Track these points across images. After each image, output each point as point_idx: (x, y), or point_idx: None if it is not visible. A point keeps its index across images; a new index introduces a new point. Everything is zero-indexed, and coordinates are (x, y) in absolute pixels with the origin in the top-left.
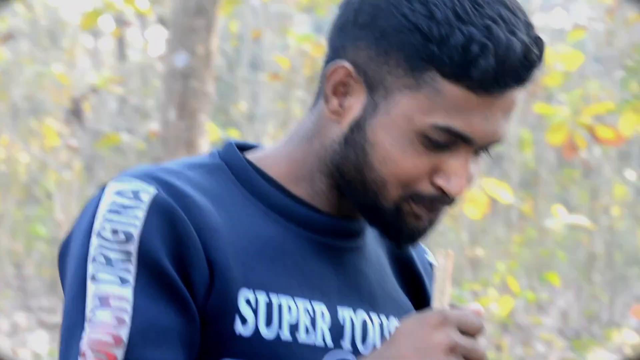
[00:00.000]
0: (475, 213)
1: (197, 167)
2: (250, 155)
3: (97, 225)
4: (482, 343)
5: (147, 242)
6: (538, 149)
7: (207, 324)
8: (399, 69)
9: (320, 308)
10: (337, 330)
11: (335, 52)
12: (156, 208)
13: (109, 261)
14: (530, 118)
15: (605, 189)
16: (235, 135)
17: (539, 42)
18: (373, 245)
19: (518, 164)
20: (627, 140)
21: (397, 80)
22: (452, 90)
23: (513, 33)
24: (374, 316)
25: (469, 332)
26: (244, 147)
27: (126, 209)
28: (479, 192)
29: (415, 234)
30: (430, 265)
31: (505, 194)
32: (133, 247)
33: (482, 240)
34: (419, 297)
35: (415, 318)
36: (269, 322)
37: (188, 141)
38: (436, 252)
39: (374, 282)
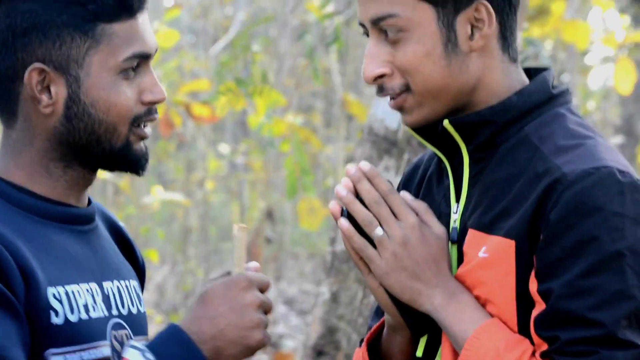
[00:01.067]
0: None
1: None
2: None
3: None
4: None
5: None
6: None
7: (31, 321)
8: (75, 40)
9: (94, 286)
10: (107, 301)
11: (12, 68)
12: None
13: None
14: None
15: (200, 162)
16: None
17: None
18: (101, 224)
19: None
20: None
21: (79, 49)
22: (119, 27)
23: None
24: (121, 282)
25: (263, 289)
26: None
27: None
28: None
29: (145, 157)
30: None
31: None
32: None
33: None
34: (134, 258)
35: (223, 282)
36: (71, 308)
37: None
38: (234, 225)
39: (112, 254)
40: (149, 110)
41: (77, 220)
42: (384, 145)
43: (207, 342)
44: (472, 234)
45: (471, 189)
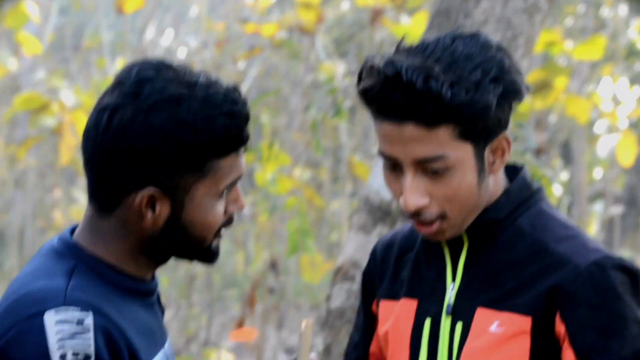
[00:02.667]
0: None
1: (78, 273)
2: (89, 247)
3: (54, 352)
4: None
5: (99, 358)
6: None
7: None
8: (187, 173)
9: (162, 353)
10: None
11: (124, 182)
12: (99, 330)
13: None
14: None
15: None
16: None
17: (240, 93)
18: None
19: None
20: None
21: (189, 180)
22: (226, 161)
23: (234, 101)
24: (168, 340)
25: None
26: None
27: (77, 334)
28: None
29: (219, 249)
30: None
31: None
32: None
33: None
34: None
35: None
36: None
37: None
38: (301, 321)
39: (161, 316)
40: (230, 219)
41: (150, 294)
42: (379, 214)
43: None
44: (481, 311)
45: (468, 272)
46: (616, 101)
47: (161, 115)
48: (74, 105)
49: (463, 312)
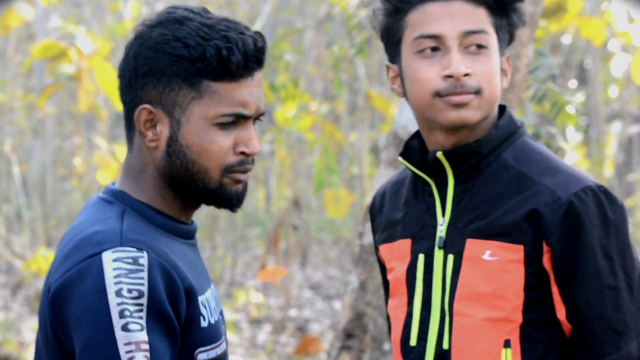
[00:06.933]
0: (107, 178)
1: (129, 216)
2: (131, 193)
3: (111, 287)
4: None
5: (153, 295)
6: None
7: (188, 328)
8: (182, 89)
9: (210, 291)
10: (216, 301)
11: (132, 102)
12: (153, 268)
13: (130, 313)
14: None
15: None
16: None
17: (259, 35)
18: None
19: None
20: None
21: (184, 97)
22: (222, 87)
23: (242, 33)
24: (213, 287)
25: None
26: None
27: (132, 272)
28: (111, 159)
29: (240, 196)
30: None
31: None
32: (144, 300)
33: None
34: None
35: None
36: (210, 312)
37: None
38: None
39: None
40: (242, 161)
41: (191, 236)
42: None
43: None
44: (471, 242)
45: (456, 206)
46: (630, 19)
47: (161, 30)
48: (91, 51)
49: (454, 245)
